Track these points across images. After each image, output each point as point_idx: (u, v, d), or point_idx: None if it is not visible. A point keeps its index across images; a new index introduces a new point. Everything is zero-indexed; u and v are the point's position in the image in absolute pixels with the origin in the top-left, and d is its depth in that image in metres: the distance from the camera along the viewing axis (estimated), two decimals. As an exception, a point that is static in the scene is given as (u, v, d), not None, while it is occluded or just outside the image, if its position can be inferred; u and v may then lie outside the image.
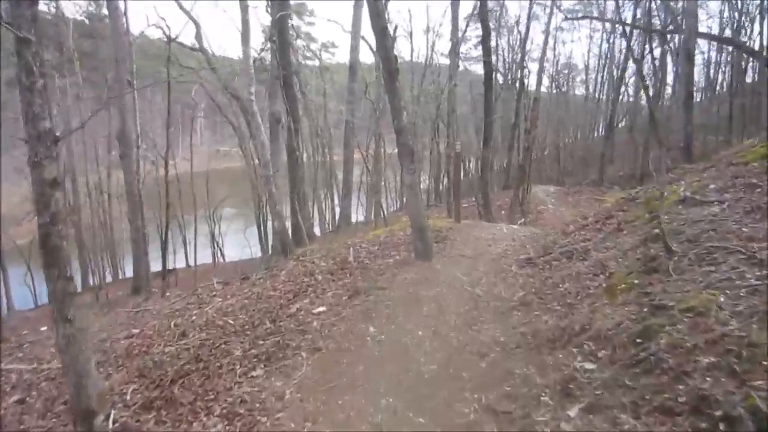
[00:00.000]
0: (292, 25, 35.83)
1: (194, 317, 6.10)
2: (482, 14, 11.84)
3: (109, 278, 23.15)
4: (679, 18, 19.35)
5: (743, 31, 24.58)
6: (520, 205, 19.09)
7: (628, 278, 4.36)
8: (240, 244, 27.27)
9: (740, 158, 7.46)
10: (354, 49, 22.58)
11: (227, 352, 4.72)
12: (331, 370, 4.13)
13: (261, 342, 4.83)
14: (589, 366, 3.48)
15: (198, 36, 17.14)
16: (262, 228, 25.09)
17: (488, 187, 12.40)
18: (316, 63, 34.05)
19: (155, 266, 18.65)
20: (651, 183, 16.05)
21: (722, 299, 3.29)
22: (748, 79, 26.32)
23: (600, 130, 35.75)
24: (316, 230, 25.03)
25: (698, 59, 26.34)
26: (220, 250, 26.31)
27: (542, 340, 4.16)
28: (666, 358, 3.02)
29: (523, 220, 18.30)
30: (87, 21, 28.52)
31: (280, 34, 12.71)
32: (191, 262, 23.79)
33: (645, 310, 3.66)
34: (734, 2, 23.60)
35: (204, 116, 42.92)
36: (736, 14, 25.20)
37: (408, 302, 5.47)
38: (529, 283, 5.74)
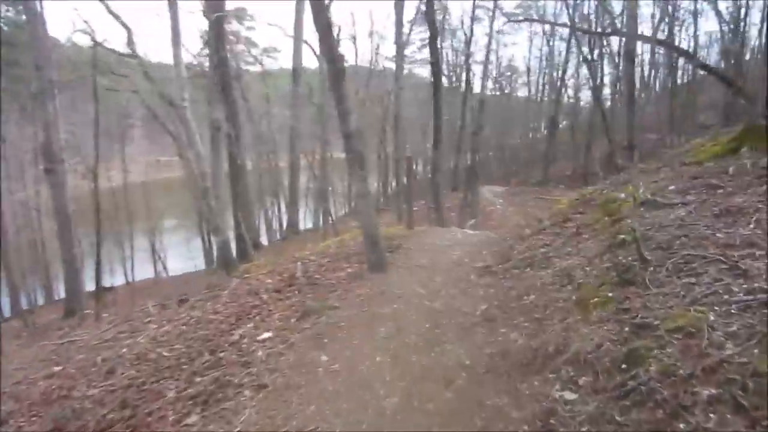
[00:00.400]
0: (233, 30, 34.87)
1: (125, 349, 5.42)
2: (429, 14, 11.52)
3: (41, 301, 21.68)
4: (617, 20, 19.69)
5: (675, 34, 25.37)
6: (470, 207, 18.99)
7: (600, 291, 4.02)
8: (184, 256, 26.17)
9: (692, 158, 7.36)
10: (296, 53, 21.96)
11: (159, 393, 4.10)
12: (278, 412, 3.58)
13: (198, 379, 4.23)
14: (570, 396, 3.09)
15: (130, 41, 16.15)
16: (205, 239, 24.10)
17: (440, 190, 12.10)
18: (259, 68, 33.18)
19: (92, 285, 17.53)
20: (598, 182, 15.99)
21: (712, 317, 2.96)
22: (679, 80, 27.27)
23: (542, 131, 36.34)
24: (264, 240, 24.24)
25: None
26: (163, 263, 25.10)
27: (513, 364, 3.76)
28: (658, 389, 2.66)
29: (472, 221, 18.18)
30: (4, 27, 26.65)
31: (216, 37, 12.00)
32: (131, 278, 22.57)
33: (626, 329, 3.30)
34: (666, 6, 24.30)
35: (142, 125, 41.13)
36: (667, 18, 26.03)
37: (363, 322, 4.99)
38: (490, 295, 5.37)
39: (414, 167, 29.41)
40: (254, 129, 26.94)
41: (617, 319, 3.52)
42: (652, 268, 3.86)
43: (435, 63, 11.25)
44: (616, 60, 24.50)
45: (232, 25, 38.27)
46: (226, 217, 14.60)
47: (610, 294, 3.88)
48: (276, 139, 29.01)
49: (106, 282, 21.81)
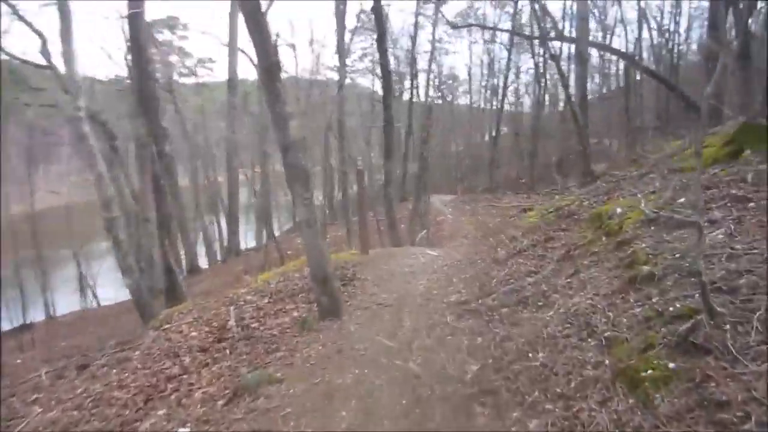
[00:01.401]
0: (165, 40, 32.66)
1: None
2: (376, 10, 10.29)
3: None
4: (559, 24, 19.12)
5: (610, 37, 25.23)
6: (420, 218, 17.83)
7: (651, 357, 2.80)
8: (118, 282, 23.76)
9: (683, 163, 6.38)
10: (231, 62, 20.34)
11: None
12: None
13: None
14: None
15: (44, 50, 14.14)
16: (142, 261, 21.90)
17: (393, 204, 10.80)
18: (194, 80, 31.16)
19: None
20: (553, 188, 15.14)
21: None
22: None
23: (485, 137, 35.80)
24: (203, 262, 22.31)
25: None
26: (93, 292, 22.65)
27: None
28: None
29: (423, 232, 17.02)
30: None
31: (134, 38, 10.35)
32: (54, 312, 20.21)
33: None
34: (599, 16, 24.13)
35: (69, 143, 38.04)
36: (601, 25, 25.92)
37: (317, 404, 3.60)
38: (479, 348, 4.08)
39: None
40: (189, 143, 24.96)
41: (696, 414, 2.30)
42: (728, 326, 2.67)
43: (384, 64, 10.00)
44: (562, 64, 24.12)
45: (164, 35, 36.13)
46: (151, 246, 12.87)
47: (671, 365, 2.65)
48: (214, 153, 27.08)
49: (26, 317, 19.43)
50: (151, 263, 15.09)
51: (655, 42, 23.69)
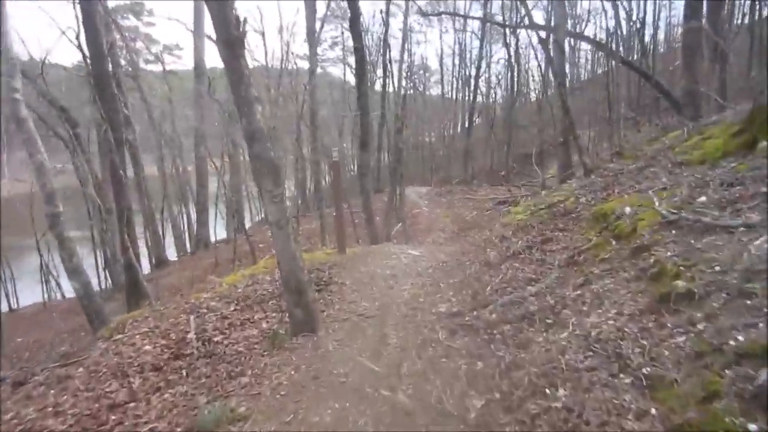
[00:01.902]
0: (130, 26, 31.13)
1: None
2: (350, -10, 9.50)
3: None
4: (532, 13, 18.48)
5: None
6: (396, 210, 17.17)
7: (719, 412, 2.15)
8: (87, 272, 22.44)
9: (687, 155, 5.80)
10: (198, 48, 19.18)
11: None
12: None
13: None
14: None
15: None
16: (108, 254, 20.68)
17: (370, 198, 10.06)
18: (161, 67, 29.72)
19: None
20: (530, 180, 14.51)
21: None
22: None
23: (457, 128, 35.23)
24: (172, 254, 21.21)
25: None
26: (57, 283, 21.29)
27: None
28: None
29: (399, 225, 16.38)
30: None
31: (87, 18, 9.33)
32: (19, 304, 19.05)
33: None
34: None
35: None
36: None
37: (289, 453, 2.88)
38: (481, 376, 3.41)
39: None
40: (156, 132, 23.71)
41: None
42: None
43: (359, 48, 9.17)
44: (536, 53, 23.61)
45: (130, 20, 34.45)
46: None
47: (752, 427, 2.01)
48: (182, 142, 25.84)
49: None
50: (115, 258, 14.07)
51: (624, 32, 23.30)
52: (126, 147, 18.46)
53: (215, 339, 4.68)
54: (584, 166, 6.90)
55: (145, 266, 18.52)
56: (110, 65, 14.87)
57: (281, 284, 4.66)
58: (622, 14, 20.22)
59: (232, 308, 5.37)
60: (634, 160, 6.62)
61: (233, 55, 3.86)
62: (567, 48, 25.98)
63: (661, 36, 26.02)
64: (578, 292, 3.93)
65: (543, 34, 15.64)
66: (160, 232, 19.86)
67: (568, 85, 12.83)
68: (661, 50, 25.16)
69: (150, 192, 19.78)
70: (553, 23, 13.01)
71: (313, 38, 17.91)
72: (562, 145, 12.56)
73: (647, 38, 24.44)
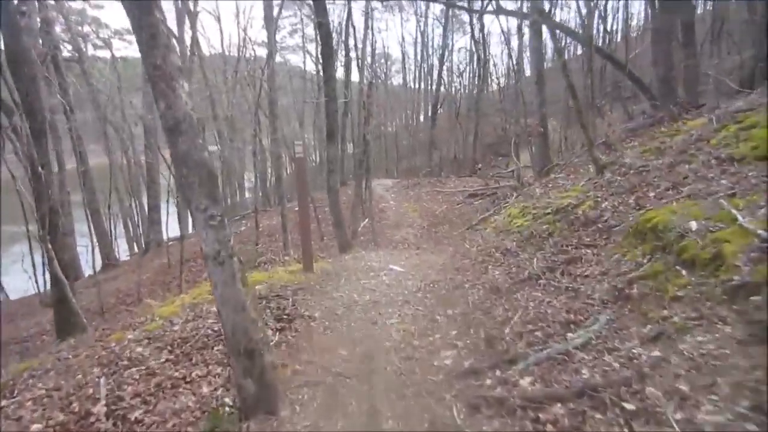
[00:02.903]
0: (78, 9, 28.42)
1: None
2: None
3: None
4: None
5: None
6: (362, 205, 15.83)
7: None
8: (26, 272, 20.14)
9: (731, 149, 4.61)
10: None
11: None
12: None
13: None
14: None
15: None
16: (43, 253, 18.48)
17: (338, 198, 8.56)
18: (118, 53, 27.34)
19: None
20: (499, 172, 13.24)
21: None
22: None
23: (421, 118, 33.92)
24: (123, 253, 19.24)
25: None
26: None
27: None
28: None
29: (366, 221, 15.07)
30: None
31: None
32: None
33: None
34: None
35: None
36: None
37: None
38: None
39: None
40: (102, 121, 21.48)
41: None
42: None
43: (323, 23, 7.59)
44: (503, 38, 22.45)
45: (76, 3, 31.51)
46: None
47: None
48: (132, 132, 23.64)
49: None
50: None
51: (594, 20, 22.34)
52: (71, 136, 16.58)
53: (134, 415, 3.21)
54: (595, 162, 5.64)
55: (94, 266, 16.62)
56: (41, 44, 12.95)
57: (225, 344, 3.23)
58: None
59: (163, 358, 3.89)
60: (656, 154, 5.40)
61: (144, 10, 2.39)
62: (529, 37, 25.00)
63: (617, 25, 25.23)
64: (656, 352, 2.64)
65: (511, 20, 14.49)
66: (109, 230, 17.83)
67: (535, 72, 11.61)
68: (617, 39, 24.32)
69: (99, 185, 17.79)
70: (528, 7, 11.81)
71: (270, 22, 16.19)
72: (540, 135, 11.36)
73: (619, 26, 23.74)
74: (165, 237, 18.71)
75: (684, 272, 3.12)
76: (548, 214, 5.36)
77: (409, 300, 4.64)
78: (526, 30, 24.00)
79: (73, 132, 15.78)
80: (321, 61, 8.51)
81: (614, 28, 25.06)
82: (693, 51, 11.80)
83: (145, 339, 4.24)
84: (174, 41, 2.77)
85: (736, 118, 5.10)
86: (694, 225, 3.35)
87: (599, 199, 4.90)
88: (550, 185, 7.51)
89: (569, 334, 3.18)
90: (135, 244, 21.01)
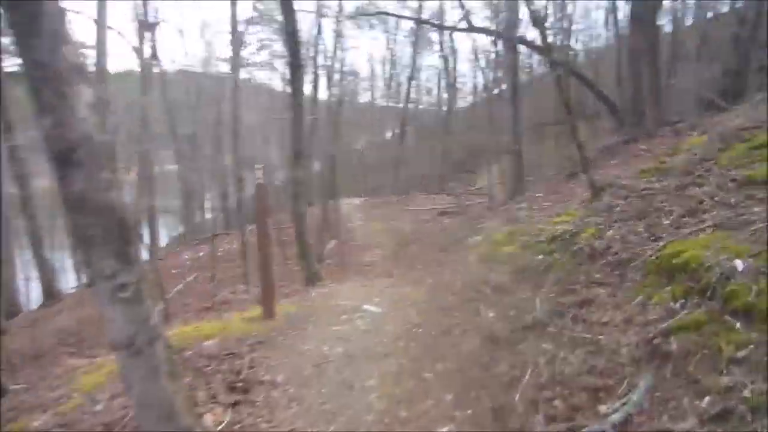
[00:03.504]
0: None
1: None
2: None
3: None
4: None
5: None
6: (329, 226, 15.10)
7: None
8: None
9: (748, 171, 4.07)
10: (100, 42, 16.04)
11: None
12: None
13: None
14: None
15: None
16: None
17: (305, 224, 7.68)
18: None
19: None
20: (471, 190, 12.67)
21: None
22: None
23: (388, 136, 33.33)
24: (70, 281, 17.76)
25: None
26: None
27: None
28: None
29: (332, 243, 14.37)
30: None
31: None
32: None
33: None
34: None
35: None
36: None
37: None
38: None
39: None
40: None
41: None
42: None
43: (291, 32, 6.78)
44: (476, 56, 22.20)
45: None
46: None
47: None
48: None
49: None
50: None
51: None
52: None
53: None
54: (592, 184, 5.04)
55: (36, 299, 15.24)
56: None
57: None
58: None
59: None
60: (657, 175, 4.83)
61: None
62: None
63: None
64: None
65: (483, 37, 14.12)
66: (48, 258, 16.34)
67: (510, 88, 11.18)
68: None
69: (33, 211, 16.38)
70: (503, 24, 11.40)
71: (236, 32, 15.44)
72: (515, 153, 10.86)
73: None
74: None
75: (738, 325, 2.48)
76: (542, 242, 4.71)
77: (389, 352, 3.89)
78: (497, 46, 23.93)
79: (15, 151, 14.44)
80: (289, 75, 7.70)
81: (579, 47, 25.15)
82: (657, 69, 11.60)
83: (55, 428, 3.31)
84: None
85: (742, 137, 4.59)
86: (739, 265, 2.72)
87: (602, 227, 4.27)
88: (535, 207, 6.91)
89: (601, 407, 2.49)
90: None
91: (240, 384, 3.39)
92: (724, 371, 2.30)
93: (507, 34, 11.11)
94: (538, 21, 7.87)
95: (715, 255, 2.89)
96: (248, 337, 4.22)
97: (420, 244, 12.86)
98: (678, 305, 2.87)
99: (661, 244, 3.45)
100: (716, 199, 3.76)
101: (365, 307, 4.99)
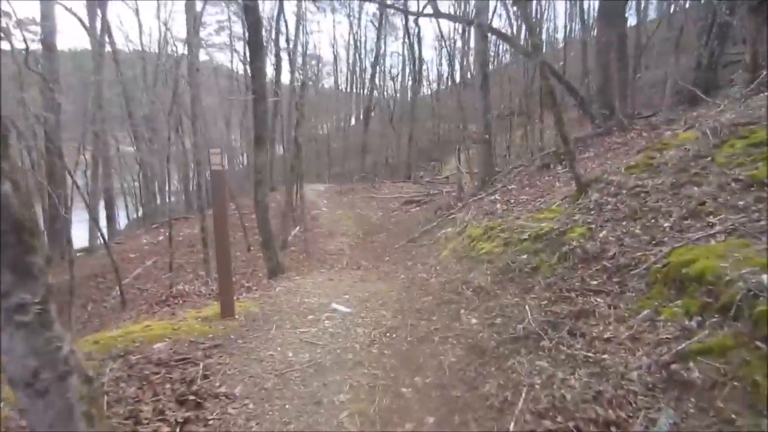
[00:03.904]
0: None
1: None
2: None
3: None
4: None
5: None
6: (293, 212, 14.47)
7: None
8: None
9: (749, 170, 3.76)
10: (46, 15, 14.84)
11: None
12: None
13: None
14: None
15: None
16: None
17: (268, 212, 7.05)
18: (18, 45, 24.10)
19: None
20: (436, 177, 12.27)
21: None
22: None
23: (352, 121, 32.70)
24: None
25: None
26: None
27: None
28: None
29: (297, 229, 13.78)
30: None
31: None
32: None
33: None
34: None
35: None
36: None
37: None
38: None
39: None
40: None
41: None
42: None
43: (251, 7, 6.16)
44: (440, 43, 21.66)
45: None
46: None
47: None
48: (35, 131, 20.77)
49: None
50: None
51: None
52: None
53: None
54: (577, 179, 4.66)
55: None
56: None
57: None
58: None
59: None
60: (647, 171, 4.48)
61: None
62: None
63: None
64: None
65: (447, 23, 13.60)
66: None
67: (480, 75, 10.77)
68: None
69: None
70: (474, 10, 10.92)
71: (192, 10, 14.44)
72: (484, 142, 10.47)
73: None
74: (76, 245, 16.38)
75: (765, 347, 2.12)
76: (525, 240, 4.31)
77: (362, 360, 3.42)
78: (463, 33, 23.50)
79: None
80: (248, 53, 7.03)
81: (543, 38, 24.99)
82: (626, 62, 11.39)
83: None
84: None
85: (737, 133, 4.28)
86: (766, 279, 2.37)
87: (593, 227, 3.89)
88: (510, 200, 6.52)
89: (614, 444, 2.10)
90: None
91: (192, 397, 2.87)
92: (765, 412, 1.93)
93: (478, 20, 10.64)
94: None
95: (736, 267, 2.54)
96: (204, 339, 3.68)
97: (387, 233, 12.45)
98: (694, 323, 2.51)
99: (665, 249, 3.09)
100: (720, 200, 3.43)
101: (334, 305, 4.50)
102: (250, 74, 6.91)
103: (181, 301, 5.78)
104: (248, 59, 7.71)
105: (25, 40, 14.57)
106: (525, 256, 4.11)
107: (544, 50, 23.40)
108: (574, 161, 4.59)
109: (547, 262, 3.81)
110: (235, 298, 4.58)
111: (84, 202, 11.87)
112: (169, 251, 9.62)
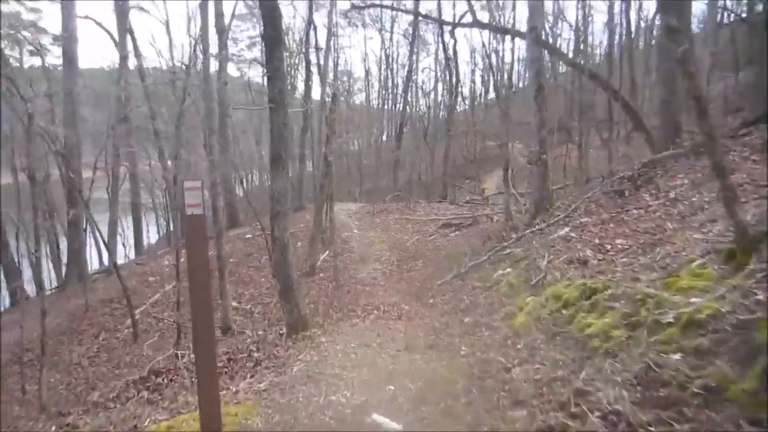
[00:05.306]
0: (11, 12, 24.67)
1: None
2: None
3: None
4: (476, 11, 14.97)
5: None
6: (322, 235, 13.10)
7: None
8: None
9: None
10: (66, 27, 13.95)
11: None
12: None
13: None
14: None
15: None
16: None
17: (287, 251, 5.47)
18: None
19: None
20: (473, 198, 10.71)
21: None
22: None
23: (384, 138, 31.29)
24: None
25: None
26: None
27: None
28: None
29: (327, 253, 12.45)
30: None
31: None
32: None
33: None
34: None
35: None
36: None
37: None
38: None
39: (245, 183, 22.38)
40: (30, 134, 17.88)
41: None
42: None
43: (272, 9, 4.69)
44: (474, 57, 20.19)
45: (10, 5, 27.42)
46: None
47: None
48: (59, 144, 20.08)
49: None
50: None
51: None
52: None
53: None
54: (742, 231, 3.02)
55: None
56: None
57: None
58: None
59: None
60: None
61: None
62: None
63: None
64: None
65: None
66: (18, 259, 14.27)
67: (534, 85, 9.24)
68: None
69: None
70: (530, 11, 9.43)
71: (222, 24, 13.36)
72: (540, 163, 8.84)
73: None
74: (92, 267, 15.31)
75: None
76: (671, 325, 2.72)
77: None
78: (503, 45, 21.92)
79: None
80: (264, 50, 5.62)
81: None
82: (696, 76, 9.64)
83: None
84: None
85: None
86: None
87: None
88: (602, 244, 4.86)
89: None
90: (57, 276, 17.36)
91: None
92: None
93: (532, 23, 9.13)
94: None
95: None
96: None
97: (425, 261, 10.96)
98: None
99: None
100: None
101: (375, 418, 2.95)
102: (268, 76, 5.43)
103: (166, 381, 4.31)
104: (265, 58, 6.29)
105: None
106: (678, 357, 2.51)
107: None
108: (735, 204, 2.98)
109: (730, 377, 2.21)
110: (230, 388, 3.09)
111: (92, 227, 10.59)
112: (177, 286, 8.23)
